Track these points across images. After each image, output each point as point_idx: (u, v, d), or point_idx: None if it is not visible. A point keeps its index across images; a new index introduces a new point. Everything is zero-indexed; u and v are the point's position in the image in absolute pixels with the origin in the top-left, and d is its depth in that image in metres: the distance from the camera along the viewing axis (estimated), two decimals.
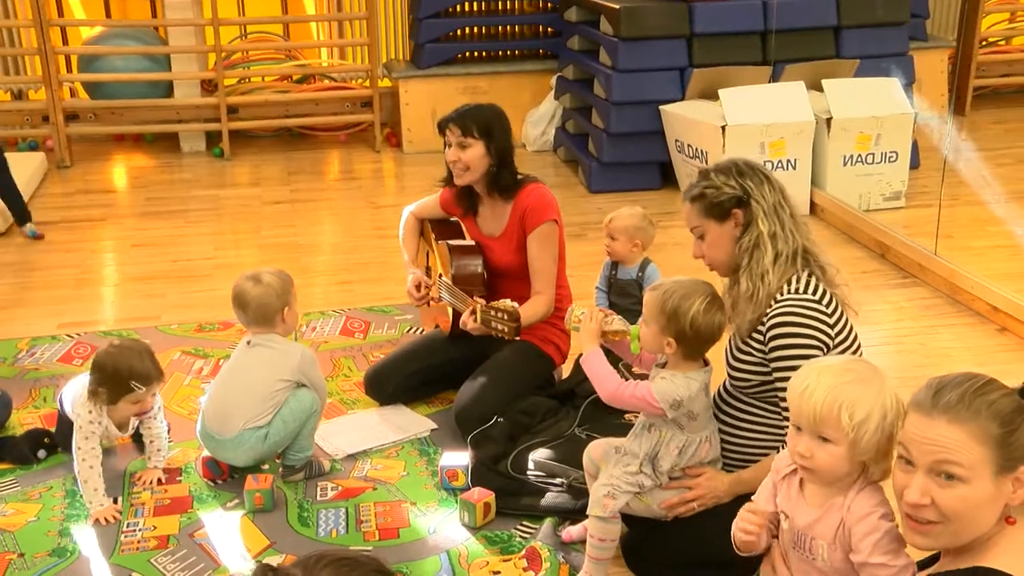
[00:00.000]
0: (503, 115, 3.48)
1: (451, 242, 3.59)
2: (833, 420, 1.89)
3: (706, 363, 2.59)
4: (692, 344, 2.53)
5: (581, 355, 3.52)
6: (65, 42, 6.92)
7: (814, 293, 2.50)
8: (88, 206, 5.09)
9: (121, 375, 2.96)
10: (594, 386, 2.61)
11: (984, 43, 7.49)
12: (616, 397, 2.56)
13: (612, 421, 3.25)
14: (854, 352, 2.53)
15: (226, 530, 2.91)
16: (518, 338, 3.30)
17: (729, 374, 2.64)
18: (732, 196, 2.56)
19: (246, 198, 6.04)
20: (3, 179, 5.08)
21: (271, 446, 3.10)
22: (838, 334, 2.49)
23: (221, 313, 4.30)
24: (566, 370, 3.70)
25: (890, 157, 5.58)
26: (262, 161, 6.81)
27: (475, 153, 3.40)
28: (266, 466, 3.18)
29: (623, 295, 3.90)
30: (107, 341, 3.99)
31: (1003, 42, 7.79)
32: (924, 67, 6.60)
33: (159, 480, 3.13)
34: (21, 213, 5.22)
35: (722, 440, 2.65)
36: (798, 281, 2.51)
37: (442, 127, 3.46)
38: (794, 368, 2.44)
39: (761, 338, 2.52)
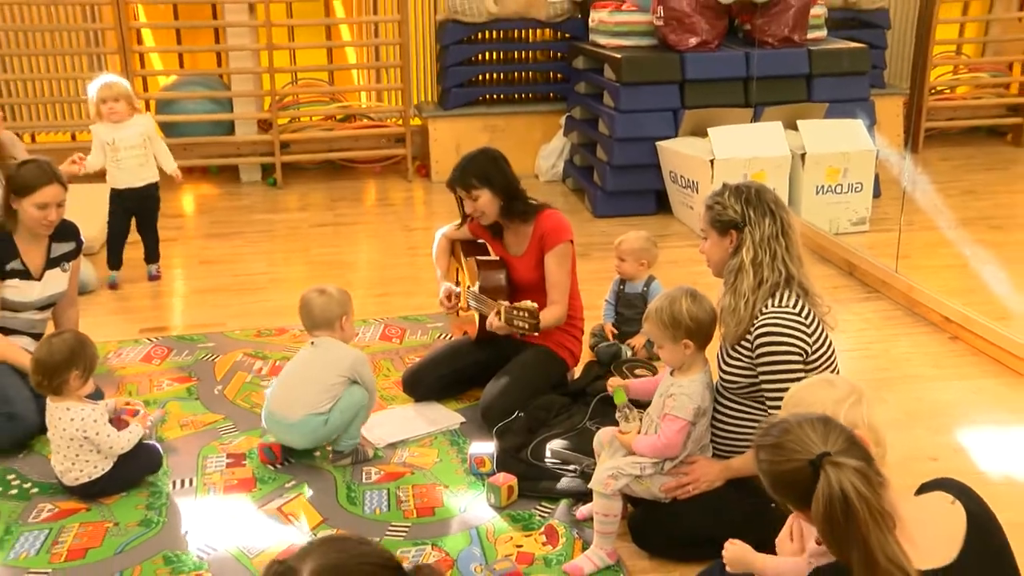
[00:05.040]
0: (496, 157, 3.46)
1: (479, 258, 3.60)
2: None
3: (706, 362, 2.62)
4: (701, 335, 2.56)
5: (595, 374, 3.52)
6: (146, 88, 6.97)
7: (795, 307, 2.51)
8: (162, 228, 5.10)
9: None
10: (657, 456, 2.59)
11: (933, 91, 7.49)
12: (664, 447, 2.55)
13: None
14: (830, 358, 2.55)
15: (286, 507, 2.92)
16: (538, 341, 3.31)
17: (721, 377, 2.65)
18: (731, 220, 2.57)
19: (296, 221, 6.06)
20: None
21: (329, 431, 3.11)
22: (815, 342, 2.51)
23: (277, 320, 4.32)
24: (578, 372, 3.71)
25: (856, 188, 5.58)
26: (309, 189, 6.83)
27: (485, 199, 3.41)
28: (318, 454, 3.19)
29: (629, 306, 3.93)
30: (181, 344, 4.08)
31: (948, 91, 7.81)
32: (883, 111, 6.59)
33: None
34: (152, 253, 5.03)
35: (716, 433, 2.66)
36: (782, 296, 2.52)
37: (450, 187, 3.47)
38: (778, 371, 2.48)
39: (749, 346, 2.53)
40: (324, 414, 3.09)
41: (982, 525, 1.76)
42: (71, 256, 3.61)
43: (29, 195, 3.36)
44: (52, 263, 3.53)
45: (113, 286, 4.84)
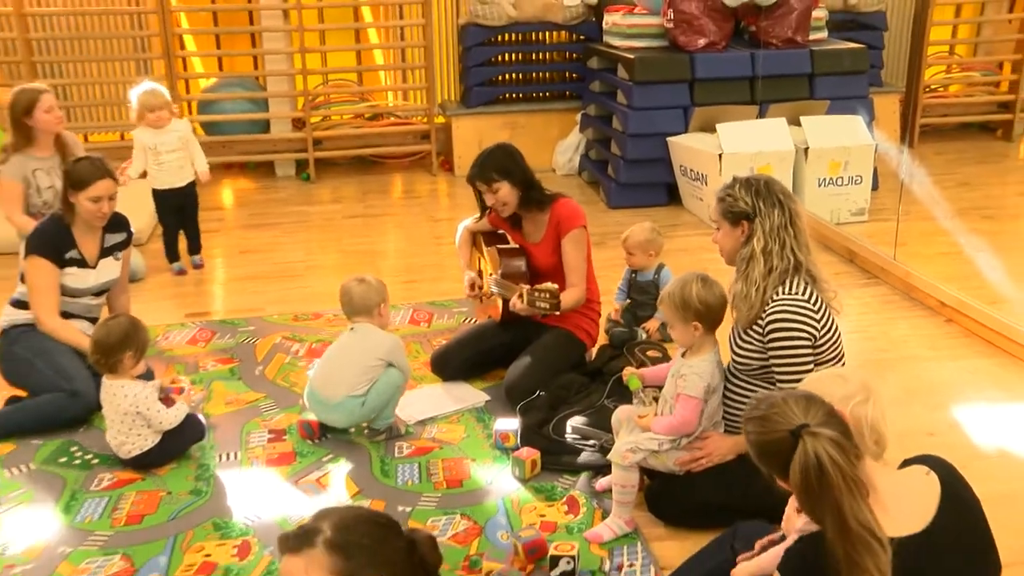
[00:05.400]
0: (512, 151, 3.48)
1: (499, 246, 3.62)
2: None
3: (715, 343, 2.63)
4: (710, 317, 2.57)
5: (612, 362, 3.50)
6: (188, 90, 7.02)
7: (803, 294, 2.52)
8: (204, 220, 5.14)
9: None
10: (674, 434, 2.61)
11: (927, 89, 7.45)
12: (680, 425, 2.57)
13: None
14: (835, 341, 2.56)
15: (324, 479, 2.96)
16: (558, 323, 3.31)
17: (733, 359, 2.66)
18: (742, 211, 2.58)
19: (329, 213, 6.08)
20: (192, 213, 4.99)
21: (367, 412, 3.14)
22: (823, 327, 2.51)
23: (313, 306, 4.36)
24: (593, 353, 3.72)
25: (856, 180, 5.56)
26: (341, 183, 6.86)
27: (505, 191, 3.42)
28: (353, 430, 3.21)
29: (642, 293, 3.93)
30: (224, 327, 4.12)
31: (942, 89, 7.76)
32: (881, 108, 6.55)
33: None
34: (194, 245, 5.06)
35: (727, 410, 2.67)
36: (791, 283, 2.53)
37: (471, 182, 3.48)
38: (788, 355, 2.49)
39: (760, 330, 2.54)
40: (361, 396, 3.11)
41: (956, 495, 1.76)
42: (123, 246, 3.66)
43: (84, 189, 3.41)
44: (106, 252, 3.58)
45: (182, 272, 4.91)
